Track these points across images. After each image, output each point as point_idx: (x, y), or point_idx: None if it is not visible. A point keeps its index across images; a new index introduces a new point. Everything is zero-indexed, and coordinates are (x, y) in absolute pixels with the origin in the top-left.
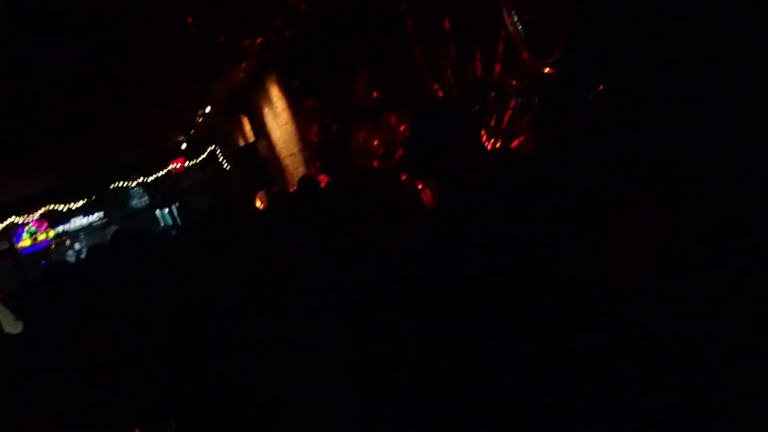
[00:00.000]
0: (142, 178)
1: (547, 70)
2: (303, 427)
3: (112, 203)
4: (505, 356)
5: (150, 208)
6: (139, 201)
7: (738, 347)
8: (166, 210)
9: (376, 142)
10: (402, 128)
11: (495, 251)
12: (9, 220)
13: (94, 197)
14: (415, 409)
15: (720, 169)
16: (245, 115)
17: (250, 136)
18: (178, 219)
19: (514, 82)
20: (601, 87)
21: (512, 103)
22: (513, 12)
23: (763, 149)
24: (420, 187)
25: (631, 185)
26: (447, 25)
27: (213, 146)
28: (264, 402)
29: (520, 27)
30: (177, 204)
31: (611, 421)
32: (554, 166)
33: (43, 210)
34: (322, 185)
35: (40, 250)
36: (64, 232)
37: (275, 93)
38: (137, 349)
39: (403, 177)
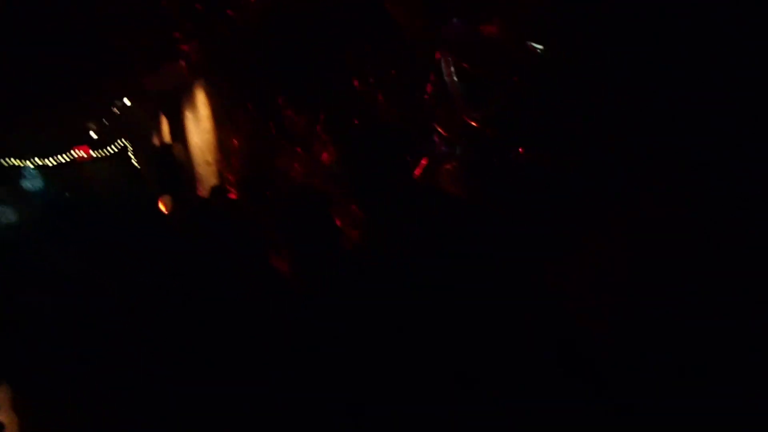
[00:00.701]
0: (39, 159)
1: (476, 124)
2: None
3: (2, 182)
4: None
5: (42, 193)
6: (31, 183)
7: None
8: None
9: (296, 165)
10: (324, 155)
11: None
12: None
13: None
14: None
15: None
16: (166, 115)
17: (168, 137)
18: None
19: (441, 130)
20: (521, 150)
21: (436, 149)
22: (452, 60)
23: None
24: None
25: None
26: (384, 59)
27: (124, 141)
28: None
29: (455, 77)
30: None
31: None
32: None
33: None
34: (232, 198)
35: None
36: None
37: (201, 99)
38: None
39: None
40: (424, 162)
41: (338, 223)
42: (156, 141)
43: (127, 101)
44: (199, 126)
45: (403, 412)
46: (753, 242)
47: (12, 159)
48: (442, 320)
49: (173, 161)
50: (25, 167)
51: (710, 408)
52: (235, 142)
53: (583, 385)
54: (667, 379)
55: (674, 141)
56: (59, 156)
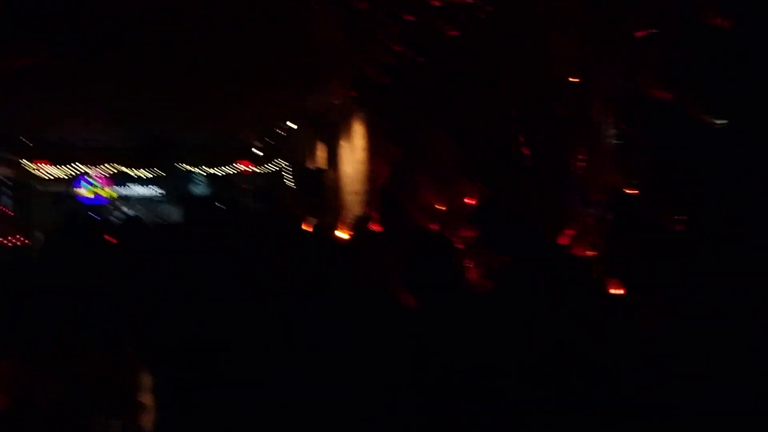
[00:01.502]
0: (207, 168)
1: (631, 189)
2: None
3: (173, 183)
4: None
5: (206, 198)
6: (198, 189)
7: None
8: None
9: (441, 206)
10: (468, 200)
11: None
12: (77, 165)
13: (161, 173)
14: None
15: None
16: (324, 140)
17: (322, 162)
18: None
19: (589, 191)
20: (678, 224)
21: (580, 211)
22: (612, 127)
23: None
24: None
25: None
26: (540, 117)
27: (282, 160)
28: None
29: (613, 141)
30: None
31: None
32: None
33: (112, 168)
34: (374, 230)
35: (98, 205)
36: (123, 197)
37: (359, 130)
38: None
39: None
40: (565, 222)
41: (471, 273)
42: (311, 164)
43: (291, 124)
44: (353, 155)
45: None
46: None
47: (185, 165)
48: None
49: (324, 186)
50: (195, 173)
51: (712, 408)
52: (385, 175)
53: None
54: (670, 380)
55: None
56: (224, 167)
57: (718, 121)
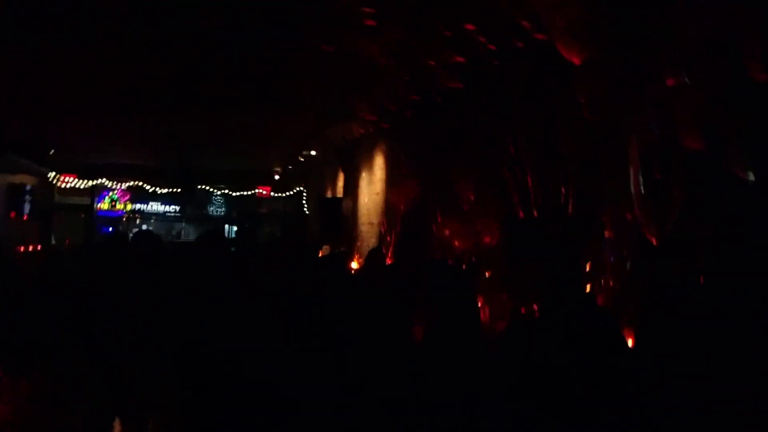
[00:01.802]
0: (227, 190)
1: (652, 238)
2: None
3: (191, 202)
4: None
5: (222, 220)
6: (215, 210)
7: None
8: (234, 228)
9: (457, 243)
10: (486, 239)
11: None
12: (101, 181)
13: (179, 190)
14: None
15: None
16: (343, 169)
17: (340, 191)
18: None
19: (612, 235)
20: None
21: (602, 253)
22: (641, 170)
23: None
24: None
25: None
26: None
27: (301, 187)
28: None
29: (642, 187)
30: (237, 228)
31: None
32: None
33: (132, 183)
34: (387, 263)
35: (113, 217)
36: (139, 211)
37: (379, 161)
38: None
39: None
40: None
41: (482, 311)
42: (329, 192)
43: (312, 152)
44: (371, 187)
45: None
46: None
47: (204, 186)
48: None
49: (340, 214)
50: (214, 194)
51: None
52: (402, 208)
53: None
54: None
55: None
56: (244, 191)
57: (752, 175)
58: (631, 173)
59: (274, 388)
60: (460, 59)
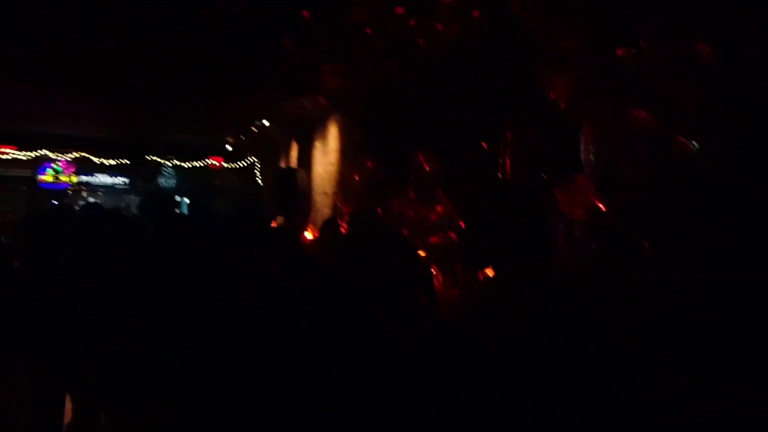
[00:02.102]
0: (177, 161)
1: (604, 208)
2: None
3: (140, 174)
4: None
5: (174, 192)
6: (165, 181)
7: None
8: (186, 200)
9: (411, 212)
10: (441, 209)
11: None
12: (43, 152)
13: (127, 162)
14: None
15: None
16: (297, 140)
17: (294, 162)
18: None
19: (565, 208)
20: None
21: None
22: (594, 142)
23: None
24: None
25: None
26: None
27: (254, 158)
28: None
29: (593, 157)
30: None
31: None
32: None
33: (76, 154)
34: (341, 231)
35: (57, 190)
36: (86, 183)
37: (333, 132)
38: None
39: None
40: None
41: (437, 281)
42: (283, 163)
43: (265, 122)
44: (325, 157)
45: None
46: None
47: (154, 157)
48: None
49: (295, 186)
50: (164, 166)
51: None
52: (356, 178)
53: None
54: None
55: None
56: (196, 162)
57: (695, 144)
58: (582, 145)
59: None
60: (417, 32)
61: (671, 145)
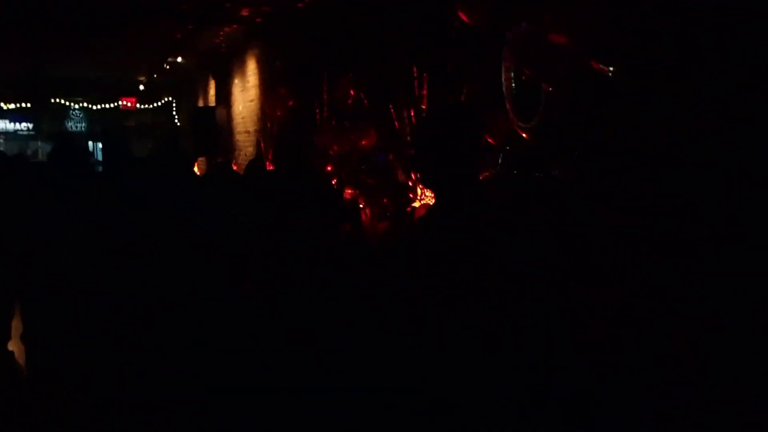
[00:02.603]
0: (86, 103)
1: (523, 134)
2: None
3: (46, 118)
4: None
5: (84, 137)
6: (75, 125)
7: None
8: (100, 144)
9: (336, 147)
10: (364, 142)
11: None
12: None
13: (29, 105)
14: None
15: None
16: (214, 77)
17: (212, 100)
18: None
19: (487, 136)
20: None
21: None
22: (513, 67)
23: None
24: (362, 204)
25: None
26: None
27: (170, 98)
28: None
29: (513, 84)
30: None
31: None
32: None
33: None
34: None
35: None
36: None
37: (252, 67)
38: None
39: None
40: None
41: (363, 213)
42: (201, 102)
43: (179, 59)
44: (245, 94)
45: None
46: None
47: (60, 99)
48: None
49: (214, 124)
50: (72, 109)
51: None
52: (279, 113)
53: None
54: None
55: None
56: (106, 104)
57: (609, 68)
58: (503, 72)
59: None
60: None
61: (587, 69)
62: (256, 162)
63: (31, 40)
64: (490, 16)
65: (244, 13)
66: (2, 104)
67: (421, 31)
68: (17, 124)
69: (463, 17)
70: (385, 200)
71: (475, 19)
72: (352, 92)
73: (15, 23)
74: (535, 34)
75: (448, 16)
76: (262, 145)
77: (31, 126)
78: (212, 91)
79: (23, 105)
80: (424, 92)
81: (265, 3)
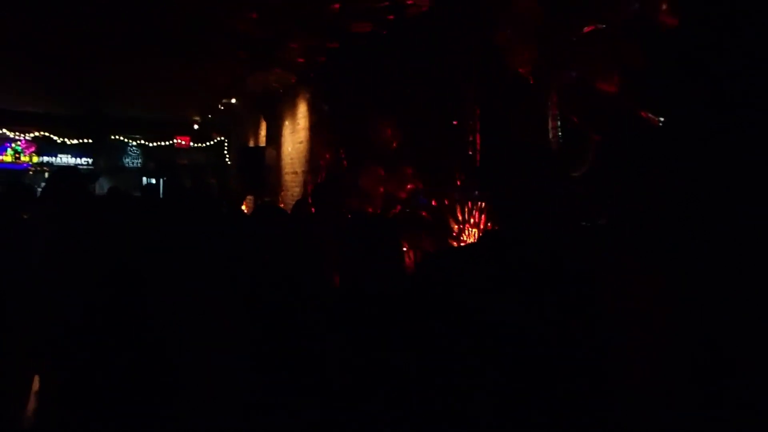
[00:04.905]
0: (142, 140)
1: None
2: None
3: (104, 153)
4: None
5: (138, 172)
6: (131, 161)
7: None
8: (153, 180)
9: (381, 189)
10: (410, 186)
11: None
12: (2, 131)
13: (90, 141)
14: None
15: None
16: (266, 118)
17: (262, 140)
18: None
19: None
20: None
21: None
22: (559, 114)
23: None
24: (405, 247)
25: None
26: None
27: (222, 137)
28: None
29: (560, 132)
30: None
31: None
32: None
33: (37, 134)
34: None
35: (18, 170)
36: (47, 164)
37: (302, 110)
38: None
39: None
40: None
41: (407, 257)
42: (251, 142)
43: (232, 100)
44: (295, 135)
45: None
46: None
47: (119, 136)
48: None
49: (263, 164)
50: (129, 145)
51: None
52: (327, 156)
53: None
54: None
55: None
56: (162, 141)
57: (660, 119)
58: (550, 120)
59: None
60: (380, 5)
61: (636, 118)
62: (303, 203)
63: (93, 82)
64: (537, 64)
65: (300, 60)
66: (66, 140)
67: (469, 78)
68: (77, 158)
69: (511, 64)
70: (427, 244)
71: (522, 66)
72: (396, 136)
73: (80, 65)
74: (583, 82)
75: (496, 63)
76: (309, 187)
77: (90, 161)
78: (263, 132)
79: (84, 141)
80: (470, 138)
81: (321, 53)
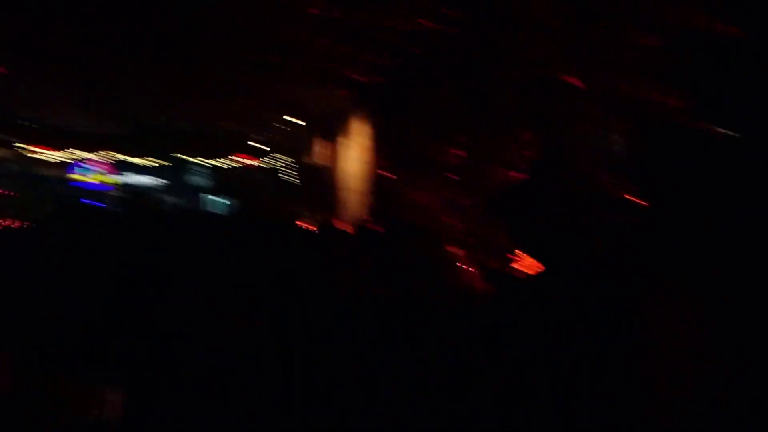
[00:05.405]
0: (201, 158)
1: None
2: None
3: (167, 171)
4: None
5: (199, 189)
6: (194, 179)
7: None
8: (213, 197)
9: (437, 209)
10: (464, 201)
11: None
12: (76, 152)
13: (158, 160)
14: None
15: None
16: (325, 137)
17: (323, 159)
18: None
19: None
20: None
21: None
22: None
23: None
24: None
25: None
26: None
27: (280, 155)
28: None
29: (619, 145)
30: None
31: None
32: None
33: (103, 153)
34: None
35: (100, 190)
36: (124, 184)
37: (361, 128)
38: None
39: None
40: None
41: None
42: (311, 161)
43: (292, 119)
44: (354, 154)
45: None
46: None
47: (181, 155)
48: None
49: (323, 183)
50: (192, 164)
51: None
52: (386, 174)
53: None
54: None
55: None
56: (222, 159)
57: (724, 131)
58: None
59: None
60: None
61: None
62: (362, 222)
63: (144, 95)
64: (598, 76)
65: (363, 80)
66: (141, 161)
67: (526, 92)
68: (156, 179)
69: (570, 79)
70: (483, 259)
71: (584, 79)
72: (451, 150)
73: (129, 79)
74: (644, 95)
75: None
76: (368, 203)
77: (160, 179)
78: (323, 151)
79: (163, 163)
80: (525, 153)
81: (380, 73)
